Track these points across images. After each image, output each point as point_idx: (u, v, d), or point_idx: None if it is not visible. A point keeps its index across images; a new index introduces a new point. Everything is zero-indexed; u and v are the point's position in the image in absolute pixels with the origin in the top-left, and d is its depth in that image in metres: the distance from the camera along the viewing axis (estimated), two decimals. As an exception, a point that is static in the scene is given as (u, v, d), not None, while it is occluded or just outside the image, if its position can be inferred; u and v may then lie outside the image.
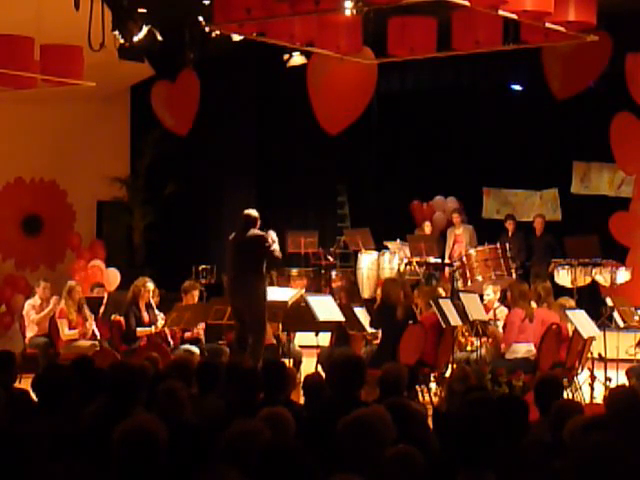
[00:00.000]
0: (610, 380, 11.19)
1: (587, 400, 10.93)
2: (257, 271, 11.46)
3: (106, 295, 13.99)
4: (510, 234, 15.93)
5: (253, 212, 11.76)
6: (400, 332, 11.34)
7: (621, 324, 12.14)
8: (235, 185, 18.02)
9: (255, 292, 11.40)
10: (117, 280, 15.88)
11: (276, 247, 11.60)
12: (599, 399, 10.69)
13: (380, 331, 11.82)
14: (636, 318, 12.14)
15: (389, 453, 4.27)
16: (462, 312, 11.40)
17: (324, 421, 5.45)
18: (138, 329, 12.46)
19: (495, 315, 12.06)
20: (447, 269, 15.18)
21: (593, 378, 11.31)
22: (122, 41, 12.18)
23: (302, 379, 7.31)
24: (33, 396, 6.30)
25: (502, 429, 5.10)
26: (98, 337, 12.85)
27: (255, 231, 11.58)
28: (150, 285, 12.69)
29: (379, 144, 19.04)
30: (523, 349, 11.01)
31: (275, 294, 12.17)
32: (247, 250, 11.48)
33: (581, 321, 11.13)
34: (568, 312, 11.27)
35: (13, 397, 5.99)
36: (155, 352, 9.42)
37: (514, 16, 10.15)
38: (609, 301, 12.39)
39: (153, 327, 12.50)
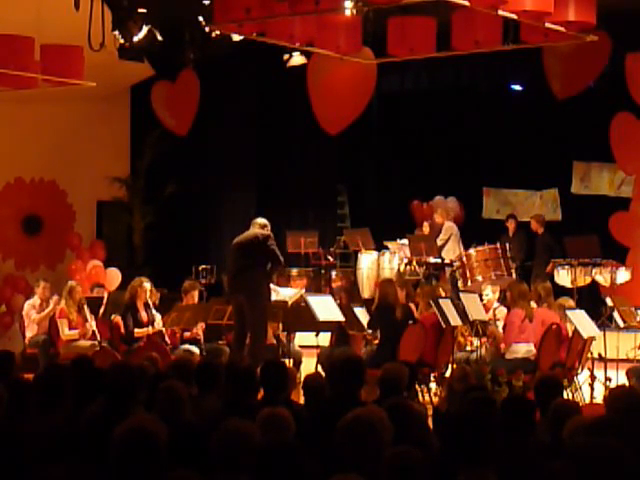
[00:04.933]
0: (610, 380, 11.19)
1: (587, 400, 10.94)
2: (260, 268, 11.49)
3: (106, 295, 13.99)
4: (510, 234, 15.93)
5: (260, 219, 11.88)
6: (400, 332, 11.34)
7: (621, 324, 12.14)
8: (235, 185, 18.02)
9: (258, 289, 11.42)
10: (118, 280, 15.88)
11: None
12: (599, 399, 10.69)
13: (379, 331, 11.83)
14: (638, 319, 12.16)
15: (389, 453, 4.27)
16: (462, 312, 11.40)
17: (324, 421, 5.45)
18: (136, 329, 12.45)
19: (495, 315, 12.06)
20: (447, 269, 15.18)
21: (593, 378, 11.31)
22: (122, 41, 12.18)
23: (302, 379, 7.31)
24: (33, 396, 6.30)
25: (507, 429, 5.10)
26: (98, 337, 12.85)
27: (259, 230, 11.64)
28: (147, 285, 12.69)
29: (379, 144, 19.04)
30: (523, 349, 11.01)
31: (277, 294, 12.24)
32: (250, 247, 11.53)
33: (581, 321, 11.13)
34: (568, 312, 11.27)
35: (13, 397, 5.99)
36: (155, 352, 9.41)
37: (514, 16, 10.15)
38: (609, 301, 12.39)
39: (150, 327, 12.51)
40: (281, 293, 12.68)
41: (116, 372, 6.19)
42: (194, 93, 15.69)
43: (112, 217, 17.46)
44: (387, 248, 15.57)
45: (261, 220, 11.90)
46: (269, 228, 11.81)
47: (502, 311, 12.05)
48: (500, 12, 10.07)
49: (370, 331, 12.04)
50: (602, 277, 13.93)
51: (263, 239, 11.58)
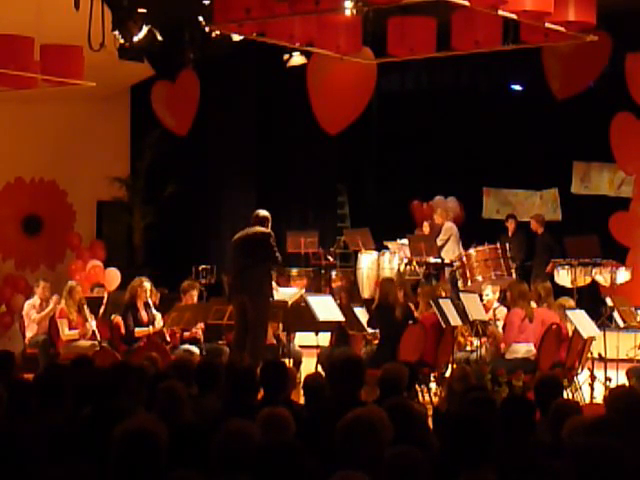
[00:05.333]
0: (610, 380, 11.19)
1: (587, 400, 10.94)
2: (262, 267, 11.48)
3: (106, 295, 13.99)
4: (510, 234, 15.94)
5: (262, 211, 11.82)
6: (399, 332, 11.35)
7: (621, 324, 12.14)
8: (235, 185, 18.02)
9: (261, 288, 11.41)
10: (117, 280, 15.88)
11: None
12: (599, 399, 10.69)
13: (379, 331, 11.83)
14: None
15: (389, 453, 4.27)
16: (462, 312, 11.40)
17: (324, 421, 5.45)
18: (136, 329, 12.46)
19: (495, 315, 12.06)
20: (447, 269, 15.18)
21: (593, 378, 11.31)
22: (122, 41, 12.18)
23: (302, 379, 7.31)
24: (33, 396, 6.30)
25: (507, 429, 5.10)
26: (98, 337, 12.84)
27: (260, 228, 11.62)
28: (147, 284, 12.70)
29: (379, 144, 19.04)
30: (523, 349, 11.01)
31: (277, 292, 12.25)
32: (252, 246, 11.52)
33: (581, 321, 11.13)
34: (568, 312, 11.27)
35: (13, 397, 5.99)
36: (155, 352, 9.42)
37: (514, 16, 10.15)
38: (609, 301, 12.39)
39: (151, 327, 12.51)
40: (281, 293, 12.67)
41: (116, 372, 6.20)
42: (194, 93, 15.68)
43: (112, 217, 17.46)
44: (387, 248, 15.57)
45: (263, 213, 11.82)
46: (270, 222, 11.76)
47: (502, 311, 12.05)
48: (500, 12, 10.07)
49: (370, 330, 12.04)
50: (602, 277, 13.93)
51: (263, 237, 11.54)
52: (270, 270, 11.72)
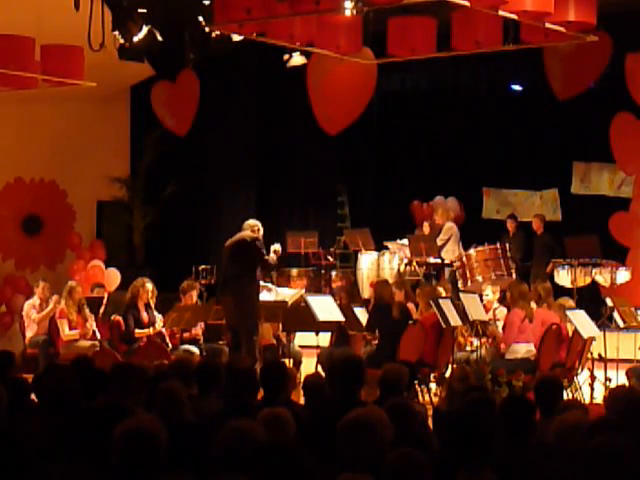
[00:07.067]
0: (610, 380, 11.19)
1: (587, 400, 10.94)
2: (248, 276, 11.46)
3: (106, 295, 13.99)
4: (510, 234, 15.94)
5: (251, 220, 11.86)
6: (398, 331, 11.35)
7: (621, 324, 12.13)
8: (235, 185, 18.02)
9: (244, 296, 11.40)
10: (117, 280, 15.88)
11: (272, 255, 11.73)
12: (599, 399, 10.69)
13: (378, 331, 11.83)
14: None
15: (392, 455, 4.26)
16: (462, 312, 11.40)
17: (324, 421, 5.45)
18: (137, 330, 12.46)
19: (495, 315, 12.06)
20: (447, 269, 15.17)
21: (593, 378, 11.31)
22: (122, 41, 12.18)
23: (302, 379, 7.31)
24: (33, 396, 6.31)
25: (507, 429, 5.10)
26: (98, 337, 12.85)
27: (248, 233, 11.62)
28: (149, 285, 12.70)
29: (379, 144, 19.04)
30: (523, 349, 11.01)
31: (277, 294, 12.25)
32: (238, 251, 11.52)
33: (581, 321, 11.13)
34: (568, 312, 11.27)
35: (13, 397, 5.99)
36: (155, 352, 9.43)
37: (514, 16, 10.15)
38: (609, 301, 12.38)
39: (151, 328, 12.51)
40: (281, 293, 12.67)
41: (116, 372, 6.20)
42: (194, 93, 15.68)
43: (112, 217, 17.46)
44: (387, 248, 15.57)
45: (252, 222, 11.89)
46: (259, 228, 11.76)
47: (502, 311, 12.05)
48: (500, 12, 10.07)
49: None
50: (602, 277, 13.92)
51: (250, 241, 11.55)
52: (256, 279, 11.65)
